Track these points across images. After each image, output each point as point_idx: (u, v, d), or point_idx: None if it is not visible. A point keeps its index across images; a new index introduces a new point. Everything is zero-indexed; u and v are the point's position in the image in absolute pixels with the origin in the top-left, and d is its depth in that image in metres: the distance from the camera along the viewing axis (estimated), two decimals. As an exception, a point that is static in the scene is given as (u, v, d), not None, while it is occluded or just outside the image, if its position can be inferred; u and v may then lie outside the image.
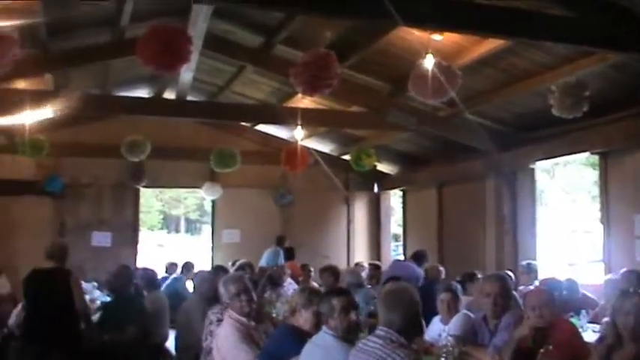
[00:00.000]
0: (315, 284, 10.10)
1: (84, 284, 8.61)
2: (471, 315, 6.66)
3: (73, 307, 7.75)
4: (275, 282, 9.99)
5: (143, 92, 15.09)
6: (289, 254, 14.14)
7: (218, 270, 9.78)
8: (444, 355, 5.49)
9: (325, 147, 16.51)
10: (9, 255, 13.44)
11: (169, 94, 14.02)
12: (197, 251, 33.92)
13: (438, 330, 6.90)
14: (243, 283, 6.32)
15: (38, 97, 10.72)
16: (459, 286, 7.70)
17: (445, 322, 6.93)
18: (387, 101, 11.47)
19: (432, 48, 7.32)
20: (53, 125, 14.71)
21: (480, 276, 9.31)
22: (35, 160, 13.41)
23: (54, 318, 7.63)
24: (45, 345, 7.58)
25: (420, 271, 10.71)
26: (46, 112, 13.48)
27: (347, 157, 15.13)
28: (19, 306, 8.78)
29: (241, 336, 5.93)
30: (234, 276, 6.87)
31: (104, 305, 9.71)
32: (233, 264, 11.98)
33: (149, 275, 9.49)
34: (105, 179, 15.50)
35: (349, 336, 4.92)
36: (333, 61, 6.90)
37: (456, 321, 6.72)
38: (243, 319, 6.13)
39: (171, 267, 14.42)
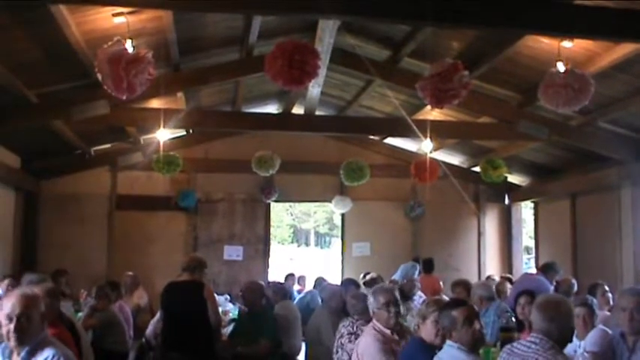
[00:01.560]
0: (445, 298, 10.00)
1: (217, 297, 8.77)
2: (609, 331, 6.44)
3: (208, 319, 7.91)
4: (405, 295, 9.93)
5: (272, 108, 15.36)
6: (427, 266, 13.80)
7: (347, 283, 9.82)
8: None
9: (455, 159, 16.37)
10: (145, 268, 13.84)
11: (298, 110, 14.18)
12: (327, 264, 34.19)
13: (573, 346, 6.69)
14: (393, 294, 6.28)
15: (171, 115, 11.05)
16: (594, 300, 7.47)
17: (580, 337, 6.73)
18: (517, 111, 11.25)
19: (562, 55, 7.16)
20: (186, 142, 15.23)
21: (606, 287, 9.04)
22: (169, 176, 13.76)
23: (190, 329, 7.83)
24: (180, 355, 7.77)
25: (549, 285, 10.41)
26: (179, 129, 13.95)
27: (477, 168, 14.93)
28: (156, 316, 9.03)
29: (380, 347, 5.91)
30: (385, 287, 6.88)
31: (238, 317, 9.88)
32: (363, 277, 11.99)
33: (281, 287, 9.63)
34: (236, 194, 15.79)
35: (476, 347, 4.85)
36: (460, 72, 6.81)
37: (592, 337, 6.51)
38: (387, 332, 6.12)
39: (289, 278, 14.59)
